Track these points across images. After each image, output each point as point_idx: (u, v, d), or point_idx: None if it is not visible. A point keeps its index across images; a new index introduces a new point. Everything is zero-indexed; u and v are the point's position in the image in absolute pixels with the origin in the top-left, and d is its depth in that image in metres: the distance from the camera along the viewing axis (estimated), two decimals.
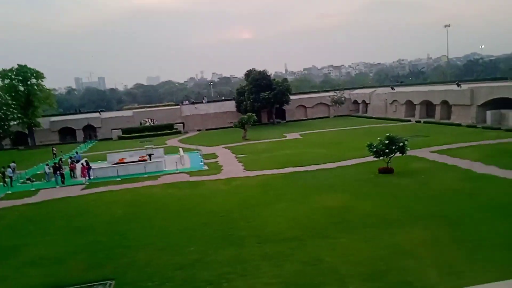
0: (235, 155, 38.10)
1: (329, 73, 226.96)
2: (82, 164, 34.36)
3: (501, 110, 46.12)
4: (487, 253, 13.73)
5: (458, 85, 54.68)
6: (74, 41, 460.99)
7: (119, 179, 30.98)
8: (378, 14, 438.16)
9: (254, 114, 53.35)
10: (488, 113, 46.97)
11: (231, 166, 32.42)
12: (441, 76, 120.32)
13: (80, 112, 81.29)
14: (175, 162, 33.54)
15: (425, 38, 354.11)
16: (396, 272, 12.83)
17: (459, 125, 47.54)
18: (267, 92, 66.44)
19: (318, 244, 15.36)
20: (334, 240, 15.64)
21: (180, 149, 40.71)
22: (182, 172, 31.52)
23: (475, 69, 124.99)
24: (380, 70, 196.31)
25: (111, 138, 65.93)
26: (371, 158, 27.28)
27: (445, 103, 54.75)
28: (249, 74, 71.98)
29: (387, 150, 25.50)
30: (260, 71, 70.79)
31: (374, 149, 25.83)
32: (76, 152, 44.58)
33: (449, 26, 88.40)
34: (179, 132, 66.49)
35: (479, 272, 12.34)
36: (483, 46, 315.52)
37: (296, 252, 14.78)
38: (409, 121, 56.62)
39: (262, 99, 66.33)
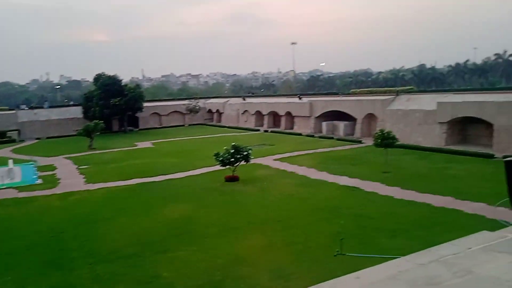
0: (77, 166, 34.91)
1: (187, 81, 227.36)
2: None
3: (334, 121, 52.30)
4: (312, 253, 15.06)
5: (300, 98, 60.18)
6: None
7: None
8: (235, 28, 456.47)
9: (102, 121, 49.83)
10: (324, 124, 52.77)
11: (71, 179, 29.54)
12: (288, 89, 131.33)
13: None
14: (1, 176, 29.09)
15: (276, 53, 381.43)
16: (231, 281, 13.13)
17: (300, 134, 52.22)
18: (118, 98, 63.06)
19: (156, 260, 14.84)
20: (173, 254, 15.32)
21: (10, 161, 35.56)
22: (10, 187, 27.50)
23: (316, 84, 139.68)
24: (236, 81, 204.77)
25: None
26: (220, 167, 27.84)
27: (289, 114, 59.64)
28: (98, 78, 67.25)
29: (232, 159, 26.34)
30: (110, 75, 66.85)
31: (220, 158, 26.43)
32: None
33: (295, 43, 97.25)
34: (13, 141, 58.37)
35: (304, 273, 13.42)
36: (323, 64, 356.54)
37: (131, 270, 14.01)
38: (258, 130, 59.99)
39: (112, 105, 62.65)
